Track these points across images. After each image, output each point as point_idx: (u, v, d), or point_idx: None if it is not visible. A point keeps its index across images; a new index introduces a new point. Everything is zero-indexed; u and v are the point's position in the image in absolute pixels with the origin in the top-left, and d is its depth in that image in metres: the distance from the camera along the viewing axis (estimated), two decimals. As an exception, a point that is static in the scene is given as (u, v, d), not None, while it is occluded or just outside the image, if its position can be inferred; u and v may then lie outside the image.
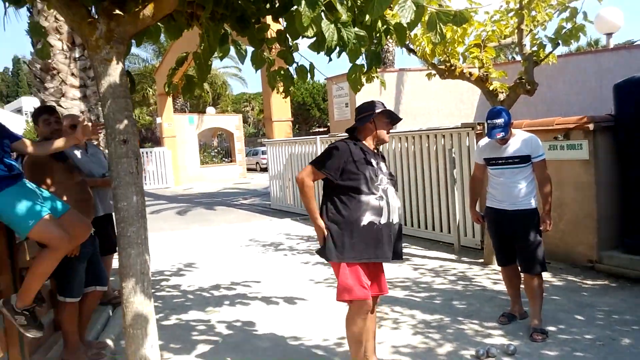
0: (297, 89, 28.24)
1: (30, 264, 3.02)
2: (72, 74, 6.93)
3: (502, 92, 5.74)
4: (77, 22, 2.87)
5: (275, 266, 6.33)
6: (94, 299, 3.65)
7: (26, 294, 2.81)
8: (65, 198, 3.25)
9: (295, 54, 3.26)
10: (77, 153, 4.25)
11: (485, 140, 4.03)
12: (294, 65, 3.26)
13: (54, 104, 6.75)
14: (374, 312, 3.16)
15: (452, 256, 6.43)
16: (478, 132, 6.26)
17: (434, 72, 6.31)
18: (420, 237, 7.47)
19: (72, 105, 6.84)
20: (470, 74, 5.94)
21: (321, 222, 2.98)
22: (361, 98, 4.97)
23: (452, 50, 5.78)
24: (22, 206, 2.70)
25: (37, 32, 3.56)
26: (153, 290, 2.95)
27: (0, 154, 2.76)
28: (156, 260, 6.70)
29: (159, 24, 3.29)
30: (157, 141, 24.74)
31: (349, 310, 3.04)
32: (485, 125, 3.91)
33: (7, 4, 3.11)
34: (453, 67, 5.96)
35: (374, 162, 3.03)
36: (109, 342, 3.84)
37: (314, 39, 2.71)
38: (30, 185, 2.91)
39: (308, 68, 3.23)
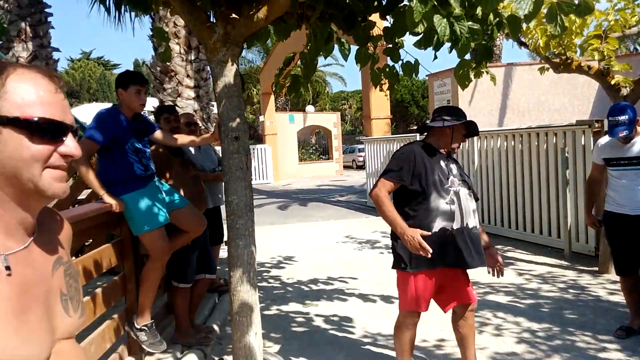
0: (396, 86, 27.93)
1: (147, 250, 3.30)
2: (188, 76, 7.42)
3: (626, 87, 5.27)
4: (197, 27, 3.07)
5: (372, 264, 6.34)
6: (203, 286, 3.90)
7: (143, 310, 3.07)
8: (181, 191, 3.49)
9: (400, 51, 3.24)
10: (191, 149, 4.55)
11: (605, 139, 3.72)
12: (400, 62, 3.23)
13: (171, 103, 7.28)
14: (470, 320, 3.02)
15: (562, 262, 6.02)
16: (595, 130, 5.79)
17: (547, 65, 5.94)
18: (526, 241, 7.08)
19: (186, 104, 7.33)
20: (589, 67, 5.51)
21: (411, 231, 2.76)
22: (467, 95, 4.81)
23: (569, 42, 5.40)
24: (145, 209, 2.95)
25: (161, 37, 3.86)
26: (257, 281, 3.08)
27: (139, 155, 3.02)
28: (258, 252, 6.99)
29: (268, 26, 3.43)
30: (259, 138, 25.77)
31: (398, 317, 2.98)
32: (606, 122, 3.61)
33: (133, 12, 3.41)
34: (569, 61, 5.57)
35: (443, 163, 2.86)
36: (215, 327, 4.07)
37: (420, 35, 2.68)
38: (158, 183, 3.17)
39: (413, 64, 3.19)
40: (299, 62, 3.79)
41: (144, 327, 3.05)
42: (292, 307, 4.80)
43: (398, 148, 3.08)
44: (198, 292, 3.83)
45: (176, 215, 3.20)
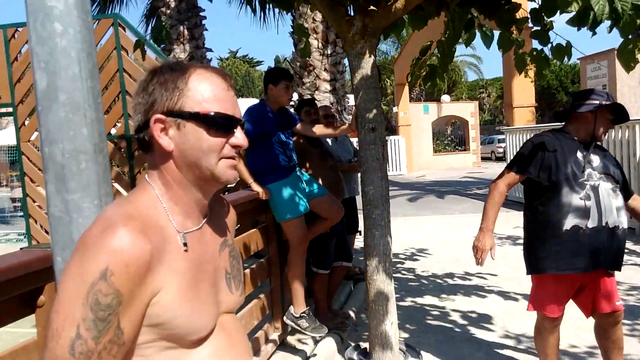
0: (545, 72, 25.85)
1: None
2: (325, 69, 7.66)
3: None
4: (336, 21, 3.16)
5: (513, 260, 5.99)
6: (340, 273, 4.03)
7: (298, 298, 3.26)
8: (320, 180, 3.64)
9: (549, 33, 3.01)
10: (328, 140, 4.70)
11: None
12: (549, 45, 3.00)
13: (309, 96, 7.57)
14: (612, 333, 2.67)
15: None
16: None
17: None
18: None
19: (324, 97, 7.57)
20: None
21: (485, 239, 2.68)
22: (631, 78, 4.30)
23: None
24: (288, 198, 3.13)
25: (301, 33, 4.05)
26: (393, 271, 3.10)
27: (284, 146, 3.22)
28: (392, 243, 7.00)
29: (404, 16, 3.40)
30: (392, 130, 25.67)
31: (536, 319, 2.75)
32: None
33: (277, 10, 3.61)
34: None
35: (579, 155, 2.53)
36: (351, 314, 4.19)
37: (573, 14, 2.46)
38: (299, 173, 3.34)
39: (565, 47, 2.94)
40: (434, 52, 3.71)
41: (303, 315, 3.24)
42: (428, 300, 4.74)
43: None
44: (335, 278, 3.97)
45: (315, 203, 3.34)
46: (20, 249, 1.43)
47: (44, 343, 0.77)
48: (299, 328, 3.25)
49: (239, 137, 0.96)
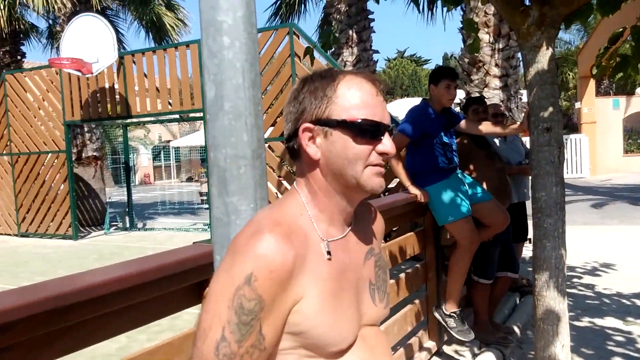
0: None
1: (448, 242, 3.35)
2: (496, 65, 7.22)
3: None
4: (509, 12, 2.94)
5: None
6: (504, 284, 3.75)
7: (452, 297, 3.14)
8: (485, 184, 3.42)
9: None
10: (496, 141, 4.40)
11: None
12: None
13: (477, 94, 7.21)
14: None
15: None
16: None
17: None
18: None
19: (493, 94, 7.14)
20: None
21: None
22: None
23: None
24: (448, 200, 3.00)
25: (470, 28, 3.84)
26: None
27: (445, 148, 3.11)
28: (567, 255, 6.31)
29: (592, 1, 3.01)
30: (573, 127, 23.20)
31: None
32: None
33: (445, 7, 3.48)
34: None
35: None
36: (515, 329, 3.87)
37: None
38: (461, 175, 3.19)
39: None
40: (627, 40, 3.24)
41: (453, 314, 3.13)
42: (609, 322, 4.17)
43: None
44: (498, 289, 3.71)
45: (478, 208, 3.15)
46: (193, 243, 1.59)
47: (194, 341, 0.83)
48: (445, 325, 3.13)
49: (387, 144, 0.93)
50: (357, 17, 8.04)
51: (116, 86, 8.12)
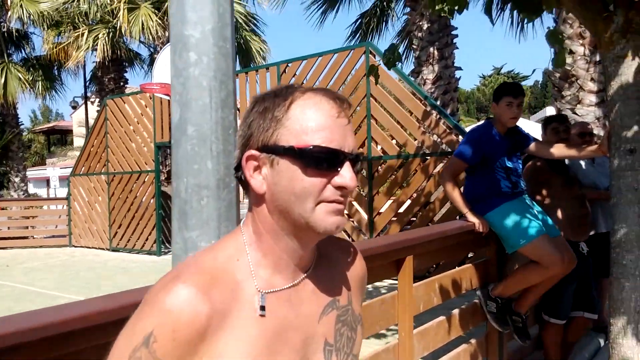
0: None
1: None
2: (591, 79, 6.59)
3: None
4: (590, 19, 2.64)
5: None
6: (580, 325, 3.29)
7: (504, 286, 2.81)
8: (559, 214, 3.04)
9: None
10: (582, 163, 3.95)
11: None
12: None
13: (568, 111, 6.63)
14: None
15: None
16: None
17: None
18: None
19: (587, 112, 6.51)
20: None
21: None
22: None
23: None
24: (515, 223, 2.68)
25: (554, 39, 3.46)
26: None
27: (508, 172, 2.81)
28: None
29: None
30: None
31: None
32: None
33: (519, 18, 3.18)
34: None
35: None
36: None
37: None
38: (529, 201, 2.86)
39: None
40: None
41: (498, 299, 2.81)
42: None
43: None
44: (573, 331, 3.25)
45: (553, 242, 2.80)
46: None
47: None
48: (484, 307, 2.80)
49: (345, 175, 0.75)
50: (439, 34, 7.76)
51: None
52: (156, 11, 9.95)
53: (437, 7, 3.39)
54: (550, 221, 2.82)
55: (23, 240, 11.49)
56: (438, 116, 6.26)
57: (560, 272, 2.72)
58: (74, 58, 10.35)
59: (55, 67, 12.75)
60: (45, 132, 35.92)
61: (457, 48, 8.07)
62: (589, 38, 6.59)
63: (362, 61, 6.67)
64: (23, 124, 19.54)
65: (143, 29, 9.30)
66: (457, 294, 2.60)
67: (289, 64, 7.46)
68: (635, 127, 2.42)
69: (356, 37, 10.24)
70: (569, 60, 6.76)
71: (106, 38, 9.75)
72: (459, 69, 8.03)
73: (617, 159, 2.46)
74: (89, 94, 16.69)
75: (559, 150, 2.86)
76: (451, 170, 2.81)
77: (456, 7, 3.37)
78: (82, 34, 9.99)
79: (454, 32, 8.05)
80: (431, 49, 7.76)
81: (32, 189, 27.89)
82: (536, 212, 2.80)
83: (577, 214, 3.12)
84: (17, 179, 13.02)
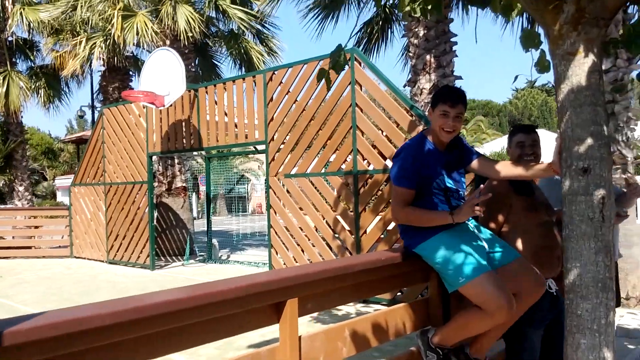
0: None
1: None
2: (598, 88, 5.99)
3: None
4: (539, 10, 2.17)
5: None
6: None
7: (443, 334, 2.33)
8: (519, 242, 2.54)
9: None
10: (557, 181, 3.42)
11: None
12: None
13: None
14: None
15: None
16: None
17: None
18: None
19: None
20: None
21: None
22: None
23: None
24: (453, 257, 2.20)
25: (529, 43, 2.96)
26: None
27: (448, 194, 2.34)
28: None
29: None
30: None
31: None
32: None
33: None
34: None
35: None
36: None
37: None
38: (473, 227, 2.38)
39: None
40: None
41: (439, 350, 2.33)
42: None
43: None
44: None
45: (505, 270, 2.31)
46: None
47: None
48: (423, 356, 2.36)
49: None
50: (437, 41, 7.27)
51: (192, 119, 8.22)
52: (153, 19, 9.79)
53: (407, 8, 2.97)
54: (498, 245, 2.33)
55: (26, 250, 11.41)
56: (425, 127, 5.78)
57: (507, 319, 2.23)
58: (69, 67, 10.24)
59: (62, 77, 12.72)
60: (75, 142, 36.71)
61: (456, 56, 7.56)
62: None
63: (347, 68, 6.24)
64: (27, 133, 19.81)
65: (138, 36, 9.12)
66: (381, 342, 2.13)
67: (275, 72, 7.10)
68: (589, 140, 1.94)
69: (361, 47, 9.83)
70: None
71: (102, 46, 9.60)
72: (459, 78, 7.51)
73: (569, 180, 1.98)
74: (97, 104, 16.77)
75: (505, 168, 2.37)
76: (401, 202, 2.33)
77: (429, 7, 2.95)
78: (80, 42, 9.89)
79: (453, 39, 7.54)
80: (428, 57, 7.28)
81: (60, 197, 28.32)
82: (482, 242, 2.31)
83: (543, 244, 2.58)
84: (21, 188, 13.01)
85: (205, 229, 10.48)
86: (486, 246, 2.31)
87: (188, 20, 9.33)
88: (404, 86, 7.94)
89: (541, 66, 2.90)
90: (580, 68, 1.99)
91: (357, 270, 2.03)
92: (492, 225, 2.58)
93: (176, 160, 11.04)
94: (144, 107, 8.90)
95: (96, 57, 9.93)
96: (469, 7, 8.36)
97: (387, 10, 9.22)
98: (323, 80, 2.81)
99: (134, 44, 9.36)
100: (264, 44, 11.72)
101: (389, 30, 9.64)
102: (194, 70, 12.17)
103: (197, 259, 10.28)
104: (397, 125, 5.83)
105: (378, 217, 6.07)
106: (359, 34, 9.67)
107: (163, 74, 7.64)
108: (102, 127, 9.97)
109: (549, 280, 2.62)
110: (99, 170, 10.16)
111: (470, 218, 2.39)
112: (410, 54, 7.59)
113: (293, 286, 1.77)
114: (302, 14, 9.29)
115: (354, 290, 2.13)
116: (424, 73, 7.34)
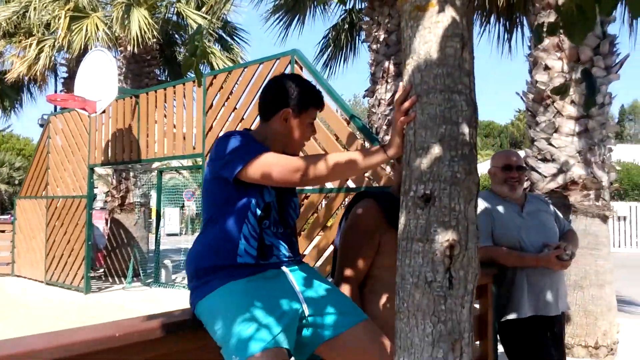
0: None
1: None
2: (572, 102, 5.23)
3: None
4: None
5: None
6: None
7: None
8: (384, 297, 1.75)
9: None
10: (500, 209, 2.65)
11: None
12: None
13: (543, 142, 5.30)
14: None
15: None
16: None
17: None
18: None
19: (565, 143, 5.14)
20: None
21: None
22: None
23: None
24: (232, 323, 1.40)
25: (537, 36, 2.23)
26: None
27: (258, 228, 1.55)
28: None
29: None
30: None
31: None
32: None
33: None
34: None
35: None
36: None
37: None
38: (294, 273, 1.58)
39: None
40: None
41: None
42: None
43: None
44: None
45: (332, 345, 1.51)
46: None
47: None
48: None
49: None
50: (397, 47, 6.53)
51: (132, 129, 7.47)
52: (108, 22, 9.11)
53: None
54: (333, 306, 1.54)
55: (-31, 268, 10.59)
56: (365, 142, 5.02)
57: None
58: (15, 71, 9.54)
59: (26, 83, 12.04)
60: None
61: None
62: (569, 49, 5.26)
63: (288, 71, 5.50)
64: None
65: (85, 39, 8.43)
66: None
67: (216, 77, 6.37)
68: (436, 150, 1.15)
69: (327, 54, 9.14)
70: (543, 78, 5.42)
71: (48, 50, 8.92)
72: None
73: (404, 216, 1.19)
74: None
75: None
76: (283, 160, 1.52)
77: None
78: (30, 45, 9.22)
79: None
80: (387, 64, 6.53)
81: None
82: (298, 306, 1.51)
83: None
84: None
85: (180, 247, 9.61)
86: (305, 309, 1.51)
87: (141, 26, 8.61)
88: (364, 97, 7.20)
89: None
90: (432, 31, 1.22)
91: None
92: (348, 272, 1.78)
93: (131, 174, 10.27)
94: (89, 116, 8.17)
95: (43, 62, 9.22)
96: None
97: (352, 15, 8.56)
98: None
99: (81, 47, 8.64)
100: (228, 50, 11.03)
101: (357, 37, 8.94)
102: (161, 78, 11.51)
103: (148, 281, 9.43)
104: (336, 137, 5.07)
105: (312, 245, 5.27)
106: (323, 40, 8.98)
107: (96, 78, 6.93)
108: (48, 136, 9.22)
109: None
110: (43, 183, 9.39)
111: (297, 264, 1.60)
112: (370, 61, 6.87)
113: None
114: (263, 18, 8.62)
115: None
116: (382, 82, 6.60)
